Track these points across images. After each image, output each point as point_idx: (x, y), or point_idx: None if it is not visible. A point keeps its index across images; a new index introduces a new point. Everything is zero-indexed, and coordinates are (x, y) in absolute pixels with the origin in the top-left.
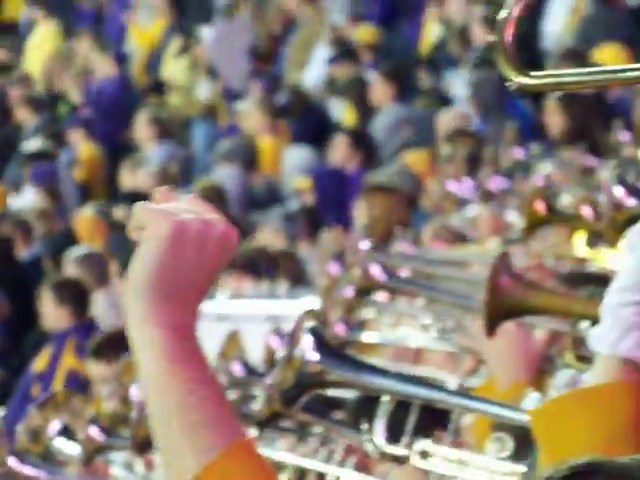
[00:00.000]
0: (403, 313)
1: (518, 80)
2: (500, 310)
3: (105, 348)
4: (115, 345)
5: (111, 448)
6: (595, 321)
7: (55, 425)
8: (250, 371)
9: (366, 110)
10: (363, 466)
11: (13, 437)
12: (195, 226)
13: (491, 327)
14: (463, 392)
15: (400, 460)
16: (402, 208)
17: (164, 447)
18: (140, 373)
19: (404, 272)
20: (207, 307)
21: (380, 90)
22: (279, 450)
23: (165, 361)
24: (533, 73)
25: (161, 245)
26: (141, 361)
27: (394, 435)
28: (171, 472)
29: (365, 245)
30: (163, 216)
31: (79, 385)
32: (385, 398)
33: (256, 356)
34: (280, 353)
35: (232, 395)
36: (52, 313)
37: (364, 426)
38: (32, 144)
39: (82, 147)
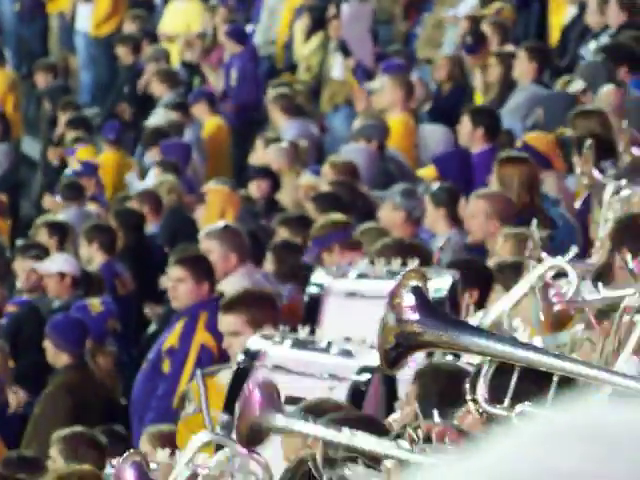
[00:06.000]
0: None
1: None
2: None
3: (235, 303)
4: (244, 301)
5: None
6: None
7: None
8: None
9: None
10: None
11: (140, 407)
12: None
13: None
14: (562, 355)
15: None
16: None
17: None
18: None
19: None
20: (338, 285)
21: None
22: None
23: None
24: None
25: None
26: None
27: (495, 397)
28: None
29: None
30: None
31: (211, 360)
32: (486, 360)
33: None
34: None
35: None
36: (188, 288)
37: (466, 387)
38: (158, 117)
39: (207, 121)
